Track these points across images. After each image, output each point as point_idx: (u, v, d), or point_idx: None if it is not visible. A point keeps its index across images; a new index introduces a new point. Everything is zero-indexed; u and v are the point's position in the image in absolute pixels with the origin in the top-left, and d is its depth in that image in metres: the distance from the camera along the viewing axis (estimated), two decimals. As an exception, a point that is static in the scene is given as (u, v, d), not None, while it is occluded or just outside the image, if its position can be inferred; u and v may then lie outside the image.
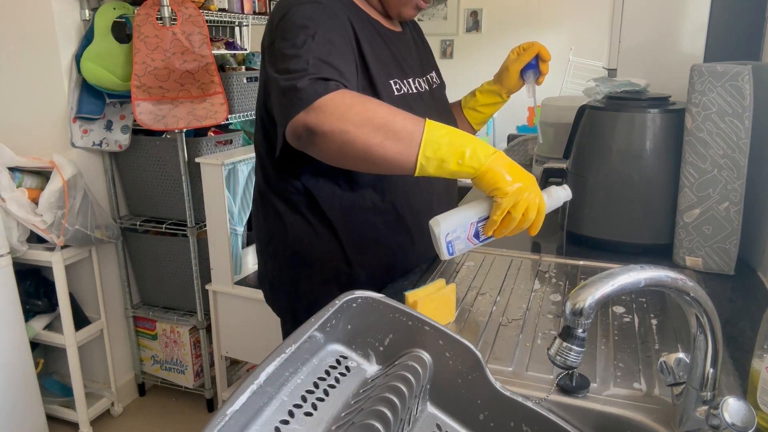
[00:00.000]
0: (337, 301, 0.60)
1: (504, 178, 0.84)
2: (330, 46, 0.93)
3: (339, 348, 0.61)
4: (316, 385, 0.54)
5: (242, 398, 0.44)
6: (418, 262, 1.18)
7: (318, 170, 1.06)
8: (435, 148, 0.83)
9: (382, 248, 1.11)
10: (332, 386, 0.56)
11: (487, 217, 0.89)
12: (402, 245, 1.13)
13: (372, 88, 1.02)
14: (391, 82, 1.07)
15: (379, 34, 1.10)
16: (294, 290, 1.17)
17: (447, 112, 1.25)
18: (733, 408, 0.58)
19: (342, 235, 1.09)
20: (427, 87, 1.18)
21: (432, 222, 0.89)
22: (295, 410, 0.51)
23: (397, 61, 1.11)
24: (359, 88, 0.98)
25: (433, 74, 1.25)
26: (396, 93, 1.06)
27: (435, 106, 1.18)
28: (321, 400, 0.53)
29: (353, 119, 0.83)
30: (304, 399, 0.52)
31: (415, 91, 1.12)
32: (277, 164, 1.09)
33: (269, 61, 0.98)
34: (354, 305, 0.62)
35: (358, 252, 1.10)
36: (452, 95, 1.35)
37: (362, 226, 1.09)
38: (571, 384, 0.75)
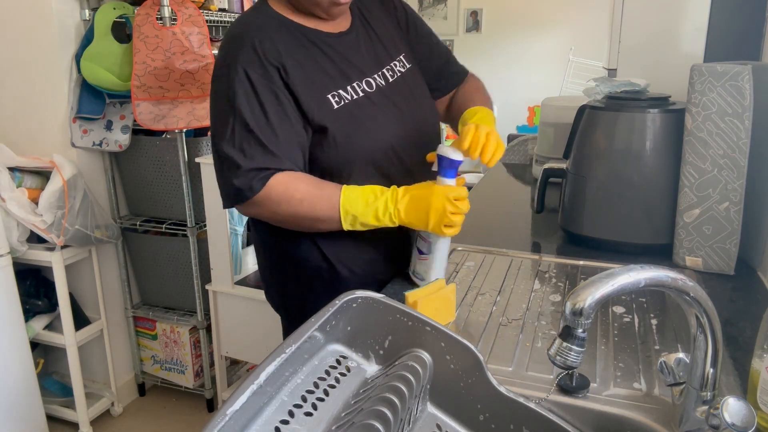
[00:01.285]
0: (337, 301, 0.60)
1: (420, 223, 1.01)
2: (257, 121, 1.02)
3: (339, 348, 0.61)
4: (316, 385, 0.54)
5: (242, 398, 0.44)
6: (401, 250, 1.17)
7: None
8: (352, 221, 1.03)
9: (358, 242, 1.12)
10: (332, 386, 0.56)
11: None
12: (378, 236, 1.10)
13: (304, 116, 1.05)
14: (329, 96, 1.06)
15: (315, 44, 1.09)
16: (284, 289, 1.21)
17: (416, 97, 1.20)
18: (733, 408, 0.58)
19: (316, 234, 1.12)
20: (383, 82, 1.14)
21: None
22: (295, 410, 0.51)
23: (338, 69, 1.09)
24: (293, 119, 1.05)
25: (396, 63, 1.19)
26: (335, 107, 1.06)
27: (394, 99, 1.15)
28: (321, 400, 0.53)
29: (283, 213, 1.04)
30: (304, 399, 0.52)
31: (361, 94, 1.10)
32: None
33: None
34: (354, 305, 0.62)
35: (334, 248, 1.13)
36: (452, 95, 1.34)
37: None
38: (571, 384, 0.75)
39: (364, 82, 1.12)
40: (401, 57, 1.21)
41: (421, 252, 1.07)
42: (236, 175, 1.01)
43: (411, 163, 1.13)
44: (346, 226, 1.03)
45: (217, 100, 1.05)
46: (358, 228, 1.03)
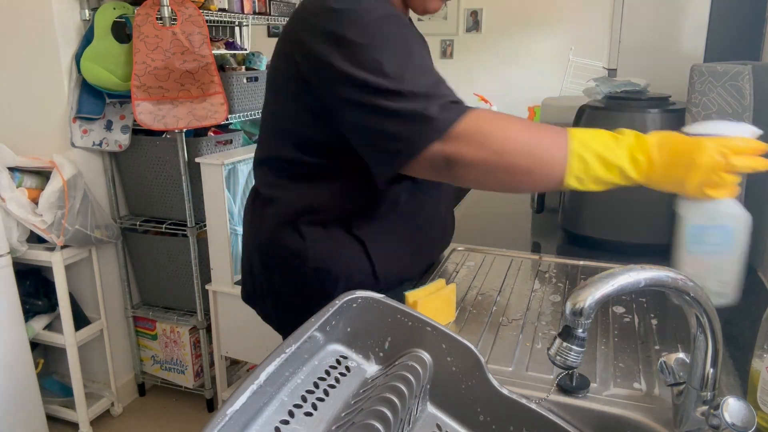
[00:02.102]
0: (337, 301, 0.60)
1: (676, 179, 0.78)
2: (428, 61, 0.87)
3: (339, 348, 0.61)
4: (316, 385, 0.54)
5: (242, 398, 0.44)
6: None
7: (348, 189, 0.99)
8: (584, 168, 0.78)
9: (404, 250, 1.05)
10: (332, 386, 0.56)
11: None
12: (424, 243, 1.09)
13: None
14: None
15: (420, 36, 1.02)
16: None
17: None
18: (733, 408, 0.58)
19: (366, 237, 1.01)
20: None
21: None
22: (295, 410, 0.51)
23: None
24: None
25: None
26: None
27: None
28: (321, 400, 0.53)
29: (495, 146, 0.78)
30: (304, 399, 0.52)
31: None
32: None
33: (334, 72, 0.84)
34: (354, 305, 0.62)
35: (384, 257, 1.02)
36: (452, 95, 1.34)
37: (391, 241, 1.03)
38: (571, 384, 0.75)
39: None
40: None
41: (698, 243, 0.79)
42: (434, 103, 0.80)
43: None
44: (572, 180, 0.78)
45: (364, 34, 0.84)
46: (586, 183, 0.79)
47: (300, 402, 0.52)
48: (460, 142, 0.79)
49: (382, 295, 0.63)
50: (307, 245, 1.00)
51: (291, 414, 0.50)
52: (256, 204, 1.09)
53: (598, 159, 0.77)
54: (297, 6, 0.97)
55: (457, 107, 0.80)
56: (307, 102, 0.93)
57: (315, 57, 0.87)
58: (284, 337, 1.20)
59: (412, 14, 1.10)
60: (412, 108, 0.79)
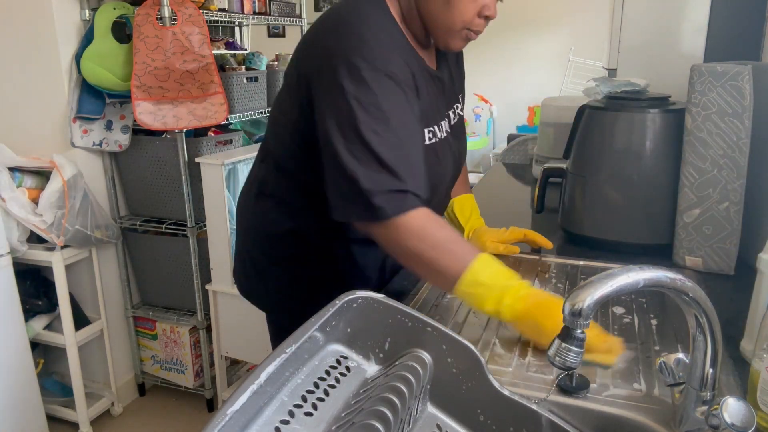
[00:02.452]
0: (337, 301, 0.60)
1: (532, 337, 0.86)
2: (405, 134, 0.91)
3: (339, 348, 0.61)
4: (317, 385, 0.54)
5: (242, 398, 0.44)
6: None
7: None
8: (468, 296, 0.88)
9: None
10: (332, 386, 0.56)
11: None
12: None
13: None
14: (426, 131, 1.01)
15: (429, 75, 1.03)
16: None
17: (461, 142, 1.18)
18: (732, 408, 0.58)
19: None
20: (448, 128, 1.10)
21: None
22: (295, 410, 0.51)
23: (435, 105, 1.05)
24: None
25: (457, 105, 1.16)
26: (427, 142, 1.01)
27: (452, 142, 1.11)
28: (321, 400, 0.53)
29: (410, 250, 0.90)
30: (304, 399, 0.52)
31: (442, 135, 1.06)
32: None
33: (330, 100, 0.90)
34: (354, 305, 0.62)
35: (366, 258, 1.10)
36: (452, 95, 1.34)
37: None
38: (571, 384, 0.75)
39: (443, 122, 1.08)
40: (459, 97, 1.19)
41: None
42: (380, 193, 0.88)
43: (435, 201, 1.10)
44: (459, 293, 0.89)
45: (360, 93, 0.89)
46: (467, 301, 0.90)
47: (300, 402, 0.52)
48: (387, 231, 0.90)
49: (382, 295, 0.63)
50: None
51: (291, 414, 0.50)
52: (260, 198, 1.14)
53: (479, 292, 0.87)
54: (320, 25, 0.98)
55: (400, 200, 0.89)
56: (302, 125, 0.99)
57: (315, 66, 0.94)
58: (275, 321, 1.21)
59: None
60: (358, 187, 0.88)
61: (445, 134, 1.08)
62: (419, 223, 0.90)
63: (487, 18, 0.97)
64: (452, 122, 1.13)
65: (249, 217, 1.16)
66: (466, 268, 0.86)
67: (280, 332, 1.24)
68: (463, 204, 1.29)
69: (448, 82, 1.12)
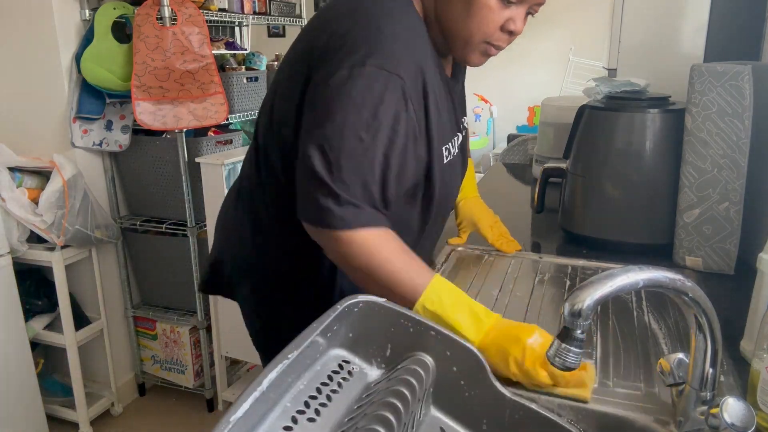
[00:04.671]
0: (338, 306, 0.60)
1: (498, 365, 0.75)
2: (390, 147, 0.82)
3: (341, 352, 0.61)
4: (319, 391, 0.54)
5: (245, 405, 0.44)
6: None
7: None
8: (430, 316, 0.79)
9: None
10: (335, 391, 0.56)
11: None
12: None
13: (428, 156, 0.90)
14: (443, 148, 0.94)
15: (446, 84, 0.95)
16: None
17: (465, 155, 1.12)
18: (732, 408, 0.58)
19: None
20: (458, 144, 1.02)
21: None
22: (298, 416, 0.51)
23: (451, 119, 0.97)
24: (415, 158, 0.88)
25: (465, 117, 1.10)
26: (444, 161, 0.94)
27: (461, 166, 1.07)
28: (324, 405, 0.53)
29: (362, 270, 0.82)
30: (307, 405, 0.52)
31: (455, 152, 0.99)
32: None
33: (318, 87, 0.82)
34: (356, 309, 0.62)
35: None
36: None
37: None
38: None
39: (455, 138, 1.00)
40: (465, 109, 1.13)
41: None
42: (339, 203, 0.80)
43: (440, 219, 1.07)
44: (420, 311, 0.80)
45: (351, 93, 0.80)
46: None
47: (303, 408, 0.52)
48: (338, 245, 0.81)
49: (384, 299, 0.63)
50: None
51: (294, 420, 0.50)
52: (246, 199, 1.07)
53: (439, 314, 0.78)
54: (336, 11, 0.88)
55: (356, 214, 0.79)
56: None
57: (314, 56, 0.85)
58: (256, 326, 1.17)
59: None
60: (320, 191, 0.79)
61: (456, 150, 1.00)
62: (371, 243, 0.81)
63: (512, 33, 0.87)
64: (462, 137, 1.06)
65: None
66: (422, 291, 0.78)
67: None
68: None
69: (460, 93, 1.06)
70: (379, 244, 0.81)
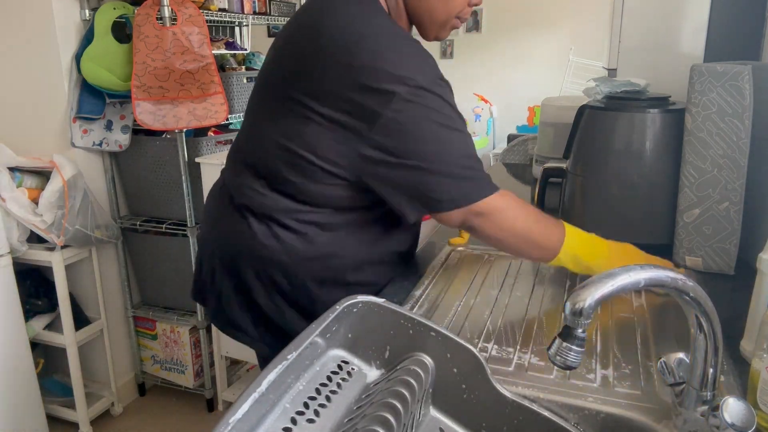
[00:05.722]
0: (337, 306, 0.60)
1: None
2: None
3: (340, 353, 0.61)
4: (318, 391, 0.54)
5: (245, 406, 0.44)
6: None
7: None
8: (572, 261, 1.00)
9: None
10: (334, 392, 0.55)
11: None
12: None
13: None
14: None
15: None
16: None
17: None
18: (733, 408, 0.58)
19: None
20: None
21: None
22: (297, 417, 0.51)
23: None
24: None
25: None
26: None
27: None
28: (323, 406, 0.53)
29: (511, 231, 0.96)
30: (306, 405, 0.52)
31: None
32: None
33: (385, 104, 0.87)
34: (355, 310, 0.62)
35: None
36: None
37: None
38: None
39: None
40: None
41: None
42: (482, 178, 0.94)
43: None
44: (560, 262, 1.00)
45: (437, 93, 0.91)
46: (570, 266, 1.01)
47: (302, 409, 0.52)
48: (481, 216, 0.93)
49: (383, 300, 0.63)
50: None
51: (294, 421, 0.50)
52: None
53: (580, 258, 1.01)
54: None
55: (491, 184, 0.94)
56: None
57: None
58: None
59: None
60: (470, 173, 0.92)
61: None
62: (507, 201, 0.96)
63: (474, 5, 1.01)
64: None
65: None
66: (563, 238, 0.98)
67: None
68: None
69: None
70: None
